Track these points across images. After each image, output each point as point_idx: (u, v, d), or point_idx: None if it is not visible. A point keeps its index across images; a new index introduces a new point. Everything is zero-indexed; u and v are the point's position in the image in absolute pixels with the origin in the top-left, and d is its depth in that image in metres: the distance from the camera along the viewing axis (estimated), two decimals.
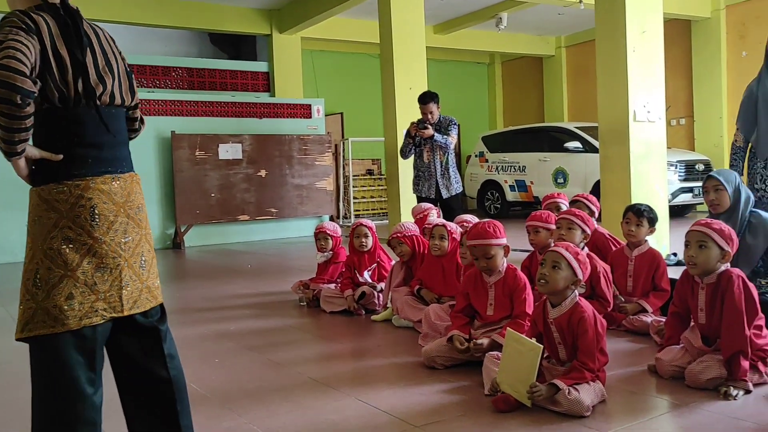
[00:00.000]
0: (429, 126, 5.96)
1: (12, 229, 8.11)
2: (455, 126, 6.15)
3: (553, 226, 3.64)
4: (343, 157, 12.80)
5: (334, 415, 2.41)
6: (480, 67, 15.87)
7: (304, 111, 10.49)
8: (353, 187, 12.81)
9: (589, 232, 3.56)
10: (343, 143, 12.84)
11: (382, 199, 12.84)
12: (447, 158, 6.08)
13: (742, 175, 3.84)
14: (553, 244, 2.88)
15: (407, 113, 8.37)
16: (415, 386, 2.75)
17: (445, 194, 6.05)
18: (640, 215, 3.56)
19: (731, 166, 3.69)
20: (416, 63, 8.53)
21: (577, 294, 2.48)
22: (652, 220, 3.58)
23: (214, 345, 3.59)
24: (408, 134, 6.13)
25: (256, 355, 3.32)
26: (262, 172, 9.76)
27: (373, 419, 2.35)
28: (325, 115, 11.01)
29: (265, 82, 11.08)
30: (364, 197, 13.23)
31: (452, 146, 6.11)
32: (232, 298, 5.09)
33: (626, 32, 5.80)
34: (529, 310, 2.82)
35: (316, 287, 4.56)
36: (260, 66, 11.11)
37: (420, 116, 6.19)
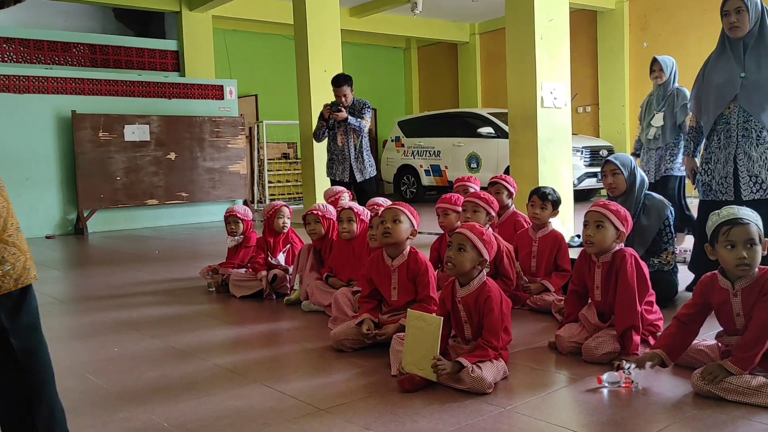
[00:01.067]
0: (342, 109, 5.91)
1: None
2: (369, 109, 6.13)
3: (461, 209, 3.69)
4: (258, 140, 12.56)
5: (239, 401, 2.36)
6: (396, 52, 15.91)
7: (216, 92, 10.19)
8: (268, 171, 12.60)
9: (493, 214, 3.63)
10: (258, 126, 12.59)
11: (298, 183, 12.70)
12: (361, 142, 6.06)
13: (696, 155, 3.91)
14: (459, 226, 2.91)
15: (322, 96, 8.27)
16: (323, 370, 2.73)
17: (359, 178, 6.03)
18: (545, 198, 3.67)
19: (685, 147, 3.85)
20: (331, 46, 8.44)
21: (485, 274, 2.52)
22: (556, 202, 3.69)
23: (114, 333, 3.44)
24: (321, 117, 6.06)
25: (159, 343, 3.20)
26: (172, 155, 9.43)
27: (278, 404, 2.31)
28: (239, 97, 10.75)
29: (175, 61, 10.67)
30: (279, 181, 13.05)
31: (366, 130, 6.08)
32: (137, 285, 4.90)
33: (534, 20, 5.94)
34: (433, 293, 2.83)
35: (226, 272, 4.46)
36: (169, 44, 10.69)
37: (332, 96, 6.14)
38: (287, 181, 13.15)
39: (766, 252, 2.21)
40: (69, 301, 4.46)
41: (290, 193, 13.08)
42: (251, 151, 12.40)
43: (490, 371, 2.33)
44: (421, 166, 12.04)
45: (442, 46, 15.15)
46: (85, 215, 8.80)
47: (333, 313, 3.37)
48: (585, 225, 2.70)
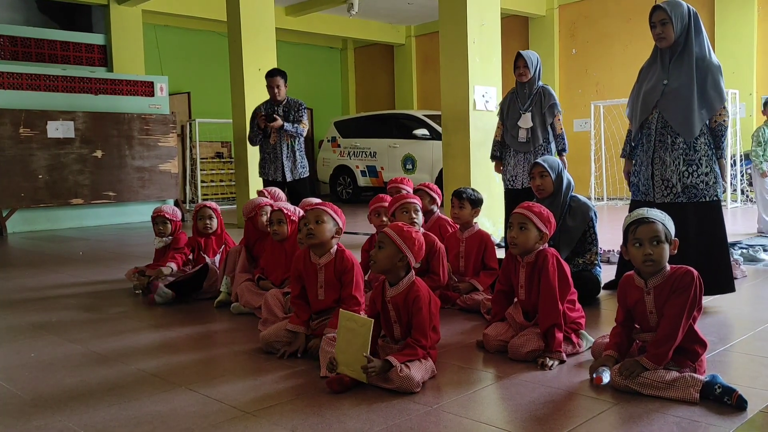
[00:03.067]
0: (277, 117, 5.84)
1: None
2: (305, 111, 6.08)
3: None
4: (191, 138, 12.28)
5: (161, 405, 2.29)
6: (333, 52, 15.88)
7: (146, 89, 9.90)
8: (201, 170, 12.34)
9: (417, 216, 3.64)
10: (190, 124, 12.32)
11: (231, 183, 12.50)
12: (293, 141, 6.01)
13: (633, 158, 3.92)
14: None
15: (256, 94, 8.18)
16: (252, 373, 2.68)
17: (289, 177, 5.98)
18: (461, 198, 3.74)
19: (622, 150, 3.90)
20: (265, 44, 8.34)
21: (413, 274, 2.53)
22: (474, 201, 3.77)
23: (31, 338, 3.28)
24: (256, 125, 5.95)
25: (78, 348, 3.08)
26: (98, 153, 9.10)
27: (203, 408, 2.26)
28: (170, 94, 10.47)
29: (102, 56, 10.31)
30: (212, 181, 12.81)
31: (304, 134, 6.04)
32: (58, 287, 4.70)
33: (467, 23, 6.05)
34: (357, 292, 2.82)
35: (152, 274, 4.33)
36: (96, 38, 10.32)
37: (266, 95, 6.06)
38: (221, 180, 12.91)
39: (675, 251, 2.31)
40: None
41: (224, 193, 12.85)
42: (183, 149, 12.11)
43: (419, 370, 2.35)
44: (357, 167, 12.05)
45: (378, 47, 15.21)
46: (3, 215, 8.38)
47: (263, 315, 3.32)
48: (510, 226, 2.76)
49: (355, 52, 15.98)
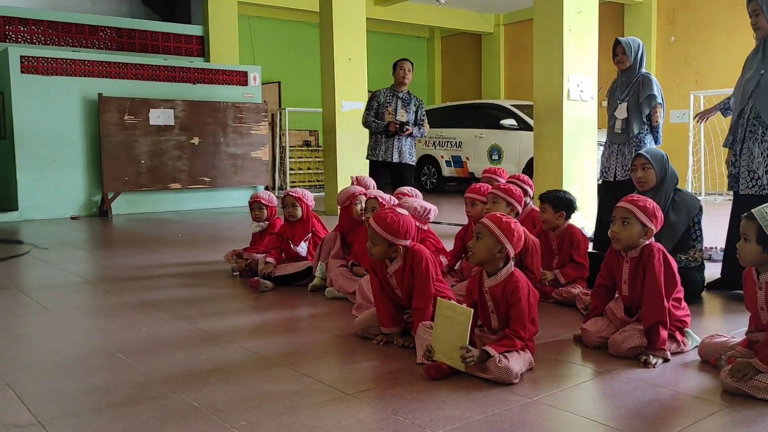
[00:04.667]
0: (409, 127, 6.02)
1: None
2: (423, 109, 6.24)
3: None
4: (280, 127, 12.59)
5: (266, 384, 2.38)
6: (419, 42, 15.85)
7: (240, 78, 10.23)
8: (289, 158, 12.64)
9: (516, 206, 3.59)
10: (280, 113, 12.63)
11: (319, 170, 12.74)
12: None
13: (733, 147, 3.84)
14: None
15: (346, 84, 8.29)
16: (348, 356, 2.75)
17: (396, 159, 6.07)
18: (543, 200, 3.62)
19: (725, 140, 3.76)
20: (356, 33, 8.43)
21: (512, 265, 2.51)
22: (557, 204, 3.59)
23: (141, 314, 3.49)
24: (384, 125, 6.02)
25: (185, 325, 3.24)
26: (195, 140, 9.50)
27: (305, 387, 2.34)
28: (262, 84, 10.78)
29: (200, 46, 10.73)
30: (300, 168, 13.09)
31: (426, 135, 6.37)
32: (161, 267, 4.95)
33: (563, 11, 5.90)
34: (427, 292, 2.72)
35: (250, 257, 4.49)
36: (194, 29, 10.74)
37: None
38: (308, 168, 13.19)
39: None
40: (96, 282, 4.53)
41: (310, 181, 13.12)
42: (273, 137, 12.44)
43: (517, 362, 2.34)
44: (442, 157, 12.01)
45: (465, 36, 15.06)
46: (109, 197, 8.91)
47: (357, 300, 3.38)
48: (612, 221, 2.68)
49: (441, 41, 15.89)
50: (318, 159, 12.88)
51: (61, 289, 4.19)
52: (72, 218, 8.60)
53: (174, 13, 11.83)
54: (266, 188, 10.20)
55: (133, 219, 8.59)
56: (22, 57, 8.36)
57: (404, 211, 2.85)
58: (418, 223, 3.00)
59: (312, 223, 4.47)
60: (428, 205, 3.63)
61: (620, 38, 4.64)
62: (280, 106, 13.00)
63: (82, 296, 4.08)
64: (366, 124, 6.20)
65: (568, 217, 3.65)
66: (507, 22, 14.25)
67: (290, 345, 2.93)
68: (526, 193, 4.20)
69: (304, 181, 12.98)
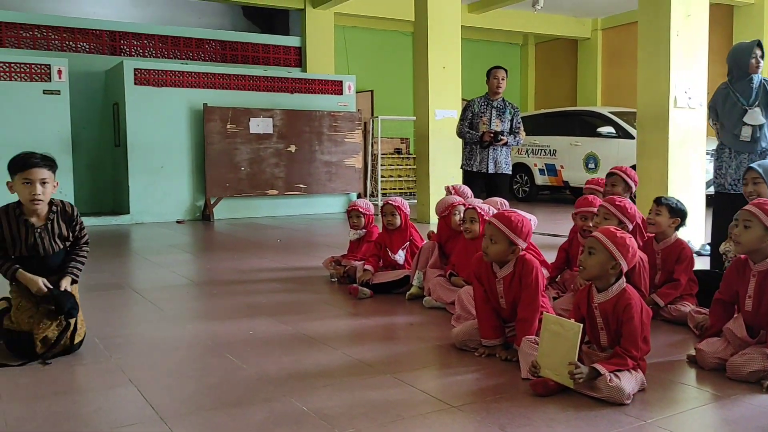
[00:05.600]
0: (503, 137, 5.97)
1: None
2: (519, 116, 6.16)
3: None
4: (372, 135, 12.74)
5: (371, 391, 2.42)
6: (513, 48, 15.64)
7: (336, 87, 10.44)
8: (381, 165, 12.76)
9: (629, 224, 3.40)
10: (373, 121, 12.77)
11: (410, 178, 12.80)
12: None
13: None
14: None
15: (440, 92, 8.30)
16: (449, 367, 2.75)
17: (492, 170, 6.01)
18: (659, 203, 3.46)
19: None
20: (450, 41, 8.44)
21: (624, 281, 2.43)
22: (674, 210, 3.43)
23: (248, 317, 3.62)
24: (479, 136, 6.00)
25: (289, 329, 3.34)
26: (292, 148, 9.77)
27: (410, 397, 2.35)
28: (356, 92, 10.96)
29: (297, 57, 11.05)
30: (391, 176, 13.19)
31: (522, 142, 6.25)
32: (262, 271, 5.12)
33: (670, 15, 5.67)
34: (535, 304, 2.70)
35: (348, 264, 4.57)
36: (293, 41, 11.08)
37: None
38: (399, 176, 13.26)
39: None
40: (202, 284, 4.74)
41: (401, 188, 13.19)
42: (365, 145, 12.61)
43: (629, 381, 2.26)
44: (535, 165, 11.78)
45: (560, 42, 14.73)
46: (212, 202, 9.32)
47: (456, 311, 3.37)
48: (734, 223, 2.57)
49: (536, 48, 15.61)
50: (408, 167, 12.94)
51: (171, 290, 4.42)
52: (177, 222, 9.05)
53: (273, 25, 12.26)
54: (359, 196, 10.34)
55: (233, 223, 8.93)
56: (135, 70, 8.90)
57: (526, 214, 2.89)
58: None
59: (410, 232, 4.50)
60: (528, 215, 3.57)
61: (759, 41, 4.43)
62: (372, 115, 13.17)
63: (190, 297, 4.29)
64: (460, 135, 6.17)
65: (680, 226, 3.49)
66: (605, 27, 13.82)
67: (391, 353, 2.96)
68: (627, 187, 4.06)
69: (395, 189, 13.07)
